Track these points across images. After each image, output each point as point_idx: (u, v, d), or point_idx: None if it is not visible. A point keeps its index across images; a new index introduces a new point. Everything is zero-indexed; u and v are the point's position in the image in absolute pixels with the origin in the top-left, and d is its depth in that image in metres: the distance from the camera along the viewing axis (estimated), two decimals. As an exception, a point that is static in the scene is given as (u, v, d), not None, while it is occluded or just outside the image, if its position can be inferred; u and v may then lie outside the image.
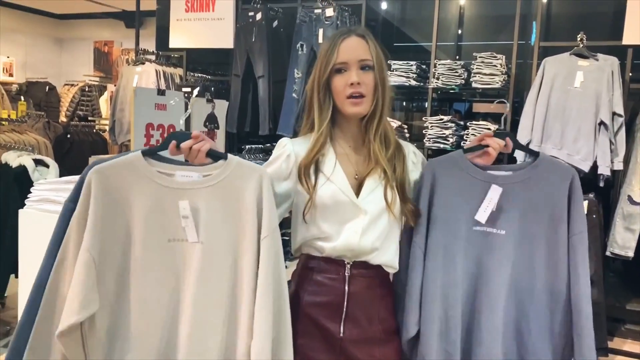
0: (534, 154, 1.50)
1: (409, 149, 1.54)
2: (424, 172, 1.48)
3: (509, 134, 1.51)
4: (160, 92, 2.33)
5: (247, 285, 1.26)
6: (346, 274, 1.43)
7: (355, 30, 1.45)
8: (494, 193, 1.43)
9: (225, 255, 1.27)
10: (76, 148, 5.73)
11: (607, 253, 3.38)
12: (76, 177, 2.24)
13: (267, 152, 4.30)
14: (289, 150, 1.46)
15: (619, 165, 3.28)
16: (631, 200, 3.28)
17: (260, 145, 4.31)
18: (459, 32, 4.65)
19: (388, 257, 1.47)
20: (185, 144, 1.32)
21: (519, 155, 3.49)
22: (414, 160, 1.53)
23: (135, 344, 1.23)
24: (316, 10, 4.14)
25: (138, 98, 2.23)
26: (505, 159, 3.39)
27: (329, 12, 4.08)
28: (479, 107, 4.79)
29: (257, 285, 1.26)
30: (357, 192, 1.44)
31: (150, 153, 1.29)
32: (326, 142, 1.45)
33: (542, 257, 1.44)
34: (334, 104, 1.45)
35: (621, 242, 3.32)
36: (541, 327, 1.44)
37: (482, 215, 1.43)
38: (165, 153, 1.35)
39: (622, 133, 3.30)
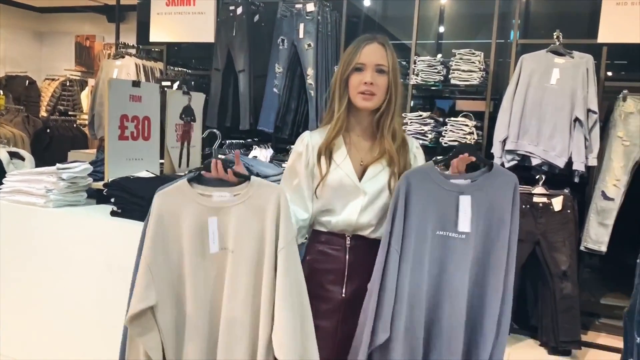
0: (489, 164, 1.65)
1: (413, 144, 1.79)
2: (400, 184, 1.61)
3: (469, 148, 1.67)
4: (135, 84, 2.32)
5: (265, 286, 1.50)
6: (347, 245, 1.70)
7: (378, 38, 1.70)
8: (465, 202, 1.59)
9: (250, 261, 1.51)
10: (56, 143, 5.66)
11: (581, 248, 3.43)
12: (51, 168, 2.23)
13: (248, 147, 4.29)
14: (307, 141, 1.72)
15: (593, 162, 3.33)
16: (604, 196, 3.33)
17: (241, 141, 4.31)
18: (440, 30, 4.68)
19: (382, 233, 1.68)
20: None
21: (496, 151, 3.53)
22: (416, 153, 1.77)
23: (191, 334, 1.54)
24: (297, 5, 4.14)
25: (112, 89, 2.22)
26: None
27: (310, 7, 4.08)
28: (462, 105, 4.82)
29: (275, 288, 1.49)
30: (361, 175, 1.69)
31: (193, 179, 1.56)
32: (343, 126, 1.70)
33: (492, 256, 1.61)
34: (349, 98, 1.69)
35: (595, 237, 3.37)
36: (491, 317, 1.61)
37: (465, 225, 1.59)
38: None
39: (597, 130, 3.35)
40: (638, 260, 1.92)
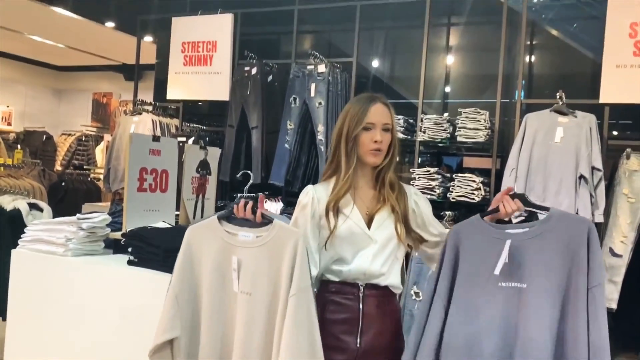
0: (545, 209, 1.65)
1: (411, 190, 1.87)
2: (449, 237, 1.69)
3: (520, 195, 1.67)
4: (155, 139, 2.43)
5: (276, 333, 1.52)
6: (360, 295, 1.73)
7: (380, 98, 1.81)
8: (506, 248, 1.58)
9: (265, 305, 1.54)
10: (70, 196, 5.78)
11: (591, 305, 3.41)
12: (72, 218, 2.31)
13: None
14: (312, 194, 1.78)
15: (599, 218, 3.37)
16: (612, 252, 3.35)
17: (251, 194, 4.40)
18: (446, 90, 4.84)
19: (393, 280, 1.77)
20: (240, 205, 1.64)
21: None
22: (416, 199, 1.85)
23: None
24: (309, 67, 4.33)
25: (134, 143, 2.33)
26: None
27: (321, 68, 4.26)
28: (470, 162, 4.92)
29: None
30: (368, 224, 1.76)
31: (223, 217, 1.64)
32: (351, 184, 1.76)
33: (563, 307, 1.53)
34: (357, 154, 1.77)
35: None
36: None
37: (497, 269, 1.58)
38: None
39: (602, 187, 3.41)
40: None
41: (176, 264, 1.65)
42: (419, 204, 1.85)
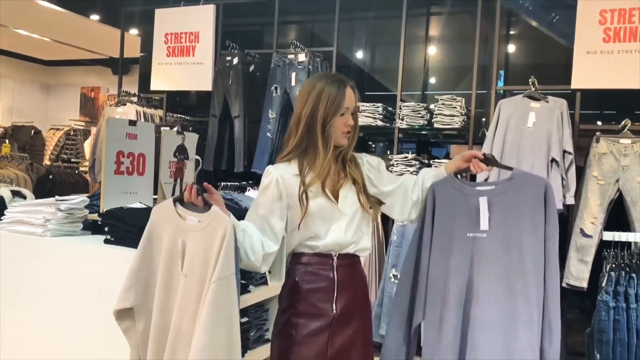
0: (509, 168, 1.84)
1: (363, 159, 1.94)
2: (428, 193, 1.88)
3: (490, 155, 1.88)
4: (132, 123, 2.49)
5: (198, 316, 1.58)
6: (334, 264, 1.83)
7: (349, 82, 1.85)
8: (484, 204, 1.76)
9: (196, 287, 1.61)
10: (58, 188, 5.79)
11: (563, 284, 3.51)
12: (50, 199, 2.37)
13: (242, 190, 4.44)
14: (276, 175, 1.81)
15: (570, 200, 3.47)
16: (583, 233, 3.45)
17: (235, 183, 4.47)
18: (426, 81, 4.93)
19: (362, 245, 1.88)
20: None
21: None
22: (369, 167, 1.92)
23: (154, 346, 1.70)
24: (289, 56, 4.40)
25: (110, 127, 2.39)
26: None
27: (302, 57, 4.34)
28: (456, 152, 5.01)
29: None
30: (335, 199, 1.83)
31: (178, 200, 1.73)
32: (331, 169, 1.82)
33: (524, 256, 1.71)
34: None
35: (575, 274, 3.46)
36: (526, 320, 1.68)
37: (484, 224, 1.76)
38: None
39: (573, 170, 3.50)
40: (599, 283, 2.03)
41: (141, 240, 1.73)
42: (371, 164, 1.93)
